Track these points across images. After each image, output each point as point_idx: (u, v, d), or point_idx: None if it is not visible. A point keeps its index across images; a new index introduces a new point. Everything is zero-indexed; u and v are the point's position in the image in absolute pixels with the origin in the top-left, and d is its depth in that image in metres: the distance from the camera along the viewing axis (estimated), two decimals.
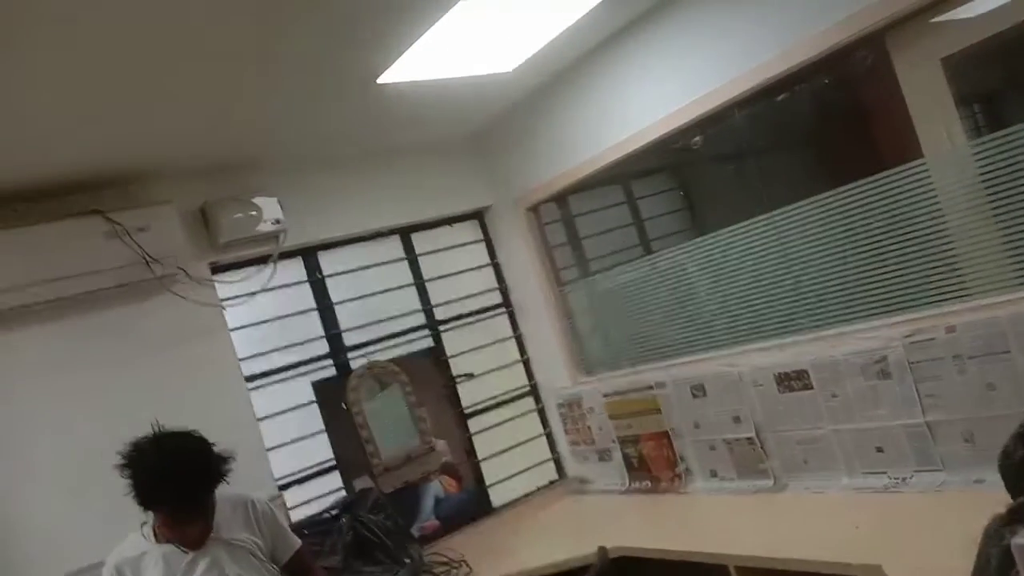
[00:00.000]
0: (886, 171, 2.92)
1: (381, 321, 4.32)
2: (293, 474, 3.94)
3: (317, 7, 2.49)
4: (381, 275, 4.40)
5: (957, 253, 2.82)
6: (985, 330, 2.70)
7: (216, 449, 2.63)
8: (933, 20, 2.71)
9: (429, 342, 4.49)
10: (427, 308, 4.50)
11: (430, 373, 4.43)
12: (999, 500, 1.89)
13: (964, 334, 2.76)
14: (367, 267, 4.35)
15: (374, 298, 4.32)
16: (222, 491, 2.68)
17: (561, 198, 4.45)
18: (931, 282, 2.89)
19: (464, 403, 4.52)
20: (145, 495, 2.51)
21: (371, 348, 4.26)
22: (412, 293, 4.49)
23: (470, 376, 4.56)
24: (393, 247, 4.50)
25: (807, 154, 3.38)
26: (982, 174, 2.70)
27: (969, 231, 2.77)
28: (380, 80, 3.27)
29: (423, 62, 3.21)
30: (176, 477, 2.52)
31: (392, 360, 4.27)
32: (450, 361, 4.52)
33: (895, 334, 2.95)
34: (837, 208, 3.11)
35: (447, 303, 4.57)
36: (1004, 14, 2.56)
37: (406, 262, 4.51)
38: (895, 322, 2.98)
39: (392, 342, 4.34)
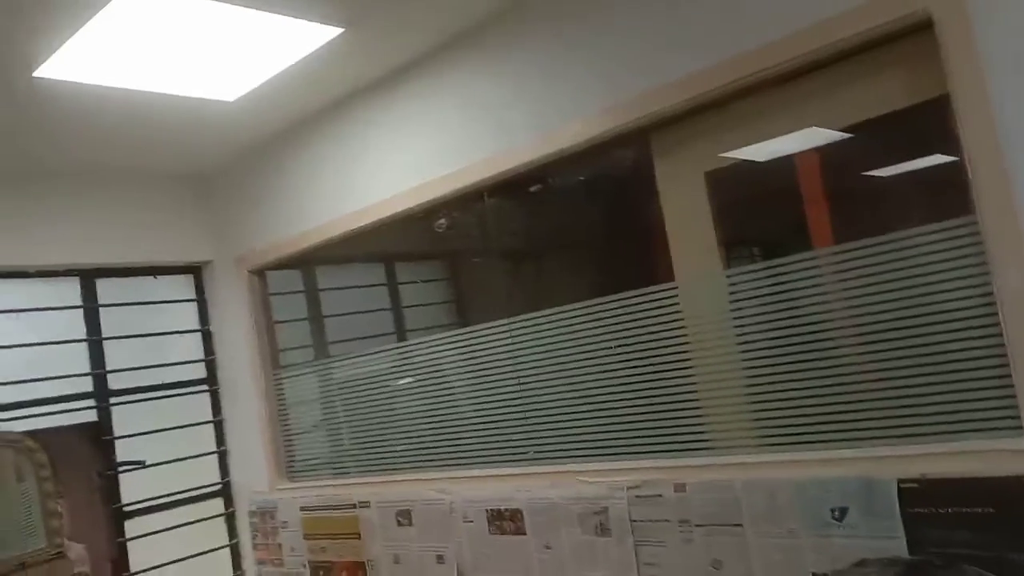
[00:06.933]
0: (632, 291, 2.50)
1: (26, 381, 3.36)
2: None
3: None
4: (40, 322, 3.46)
5: (699, 397, 2.41)
6: (718, 494, 2.27)
7: None
8: (702, 127, 2.36)
9: (92, 415, 3.56)
10: (98, 372, 3.59)
11: (84, 456, 3.49)
12: None
13: (695, 495, 2.32)
14: (16, 311, 3.40)
15: (22, 351, 3.37)
16: None
17: (298, 266, 3.76)
18: (667, 426, 2.46)
19: (125, 499, 3.60)
20: None
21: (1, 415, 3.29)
22: (81, 351, 3.57)
23: (141, 464, 3.66)
24: (68, 290, 3.59)
25: (554, 257, 2.94)
26: (734, 311, 2.33)
27: (714, 374, 2.37)
28: (38, 73, 2.50)
29: (102, 59, 2.50)
30: None
31: (29, 432, 3.31)
32: (117, 443, 3.61)
33: (621, 482, 2.48)
34: (577, 325, 2.65)
35: (129, 369, 3.68)
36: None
37: (82, 311, 3.61)
38: (623, 468, 2.51)
39: (38, 409, 3.38)
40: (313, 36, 2.62)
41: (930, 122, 1.97)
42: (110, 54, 2.48)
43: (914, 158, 2.04)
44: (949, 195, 1.92)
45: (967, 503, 1.87)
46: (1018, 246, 1.77)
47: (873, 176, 2.11)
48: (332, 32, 2.61)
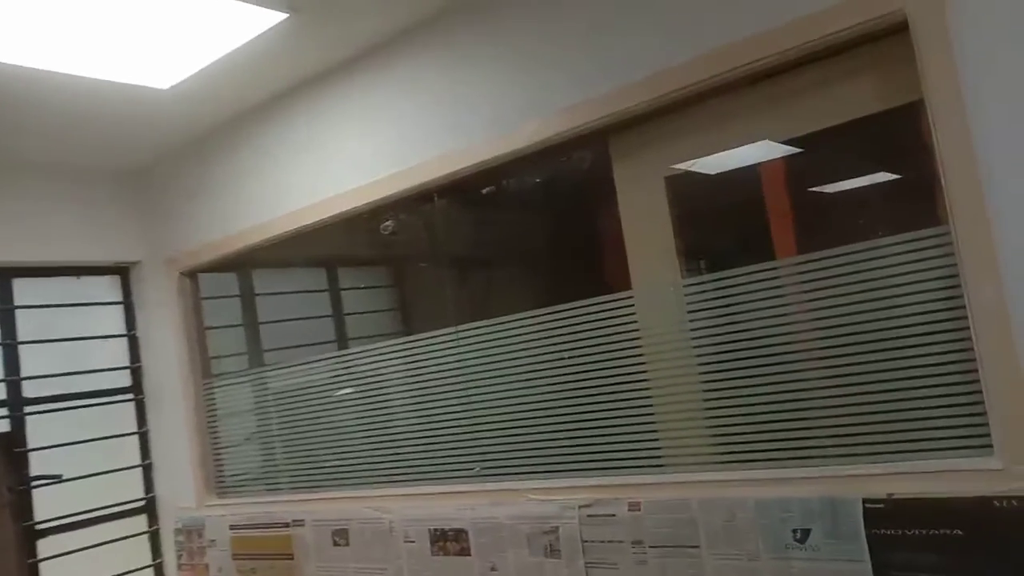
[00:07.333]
0: (587, 300, 2.39)
1: None
2: None
3: None
4: None
5: (655, 412, 2.30)
6: (674, 514, 2.16)
7: None
8: (664, 130, 2.26)
9: (4, 425, 3.30)
10: (11, 379, 3.33)
11: None
12: None
13: (650, 515, 2.20)
14: None
15: None
16: None
17: (233, 268, 3.56)
18: (621, 441, 2.34)
19: (39, 516, 3.34)
20: None
21: None
22: None
23: (57, 479, 3.40)
24: None
25: (505, 264, 2.81)
26: (693, 323, 2.23)
27: (671, 388, 2.27)
28: None
29: (17, 35, 2.30)
30: None
31: None
32: (31, 455, 3.34)
33: (572, 500, 2.35)
34: (528, 335, 2.53)
35: (47, 376, 3.42)
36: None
37: None
38: (574, 485, 2.39)
39: None
40: (256, 20, 2.45)
41: (902, 129, 1.90)
42: (27, 29, 2.28)
43: (884, 166, 1.97)
44: (920, 205, 1.86)
45: (935, 525, 1.79)
46: (992, 258, 1.71)
47: (841, 185, 2.04)
48: (276, 17, 2.44)
